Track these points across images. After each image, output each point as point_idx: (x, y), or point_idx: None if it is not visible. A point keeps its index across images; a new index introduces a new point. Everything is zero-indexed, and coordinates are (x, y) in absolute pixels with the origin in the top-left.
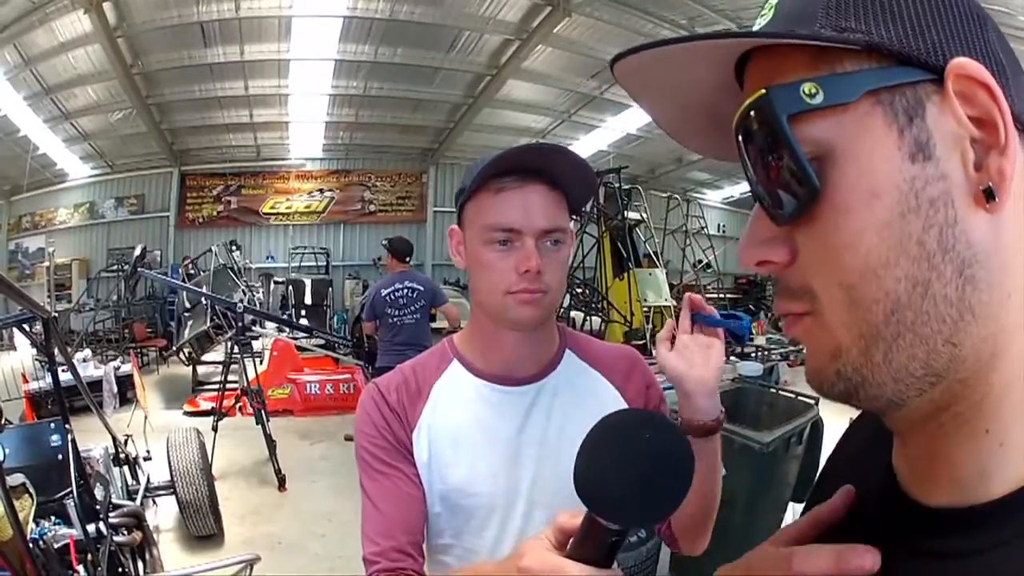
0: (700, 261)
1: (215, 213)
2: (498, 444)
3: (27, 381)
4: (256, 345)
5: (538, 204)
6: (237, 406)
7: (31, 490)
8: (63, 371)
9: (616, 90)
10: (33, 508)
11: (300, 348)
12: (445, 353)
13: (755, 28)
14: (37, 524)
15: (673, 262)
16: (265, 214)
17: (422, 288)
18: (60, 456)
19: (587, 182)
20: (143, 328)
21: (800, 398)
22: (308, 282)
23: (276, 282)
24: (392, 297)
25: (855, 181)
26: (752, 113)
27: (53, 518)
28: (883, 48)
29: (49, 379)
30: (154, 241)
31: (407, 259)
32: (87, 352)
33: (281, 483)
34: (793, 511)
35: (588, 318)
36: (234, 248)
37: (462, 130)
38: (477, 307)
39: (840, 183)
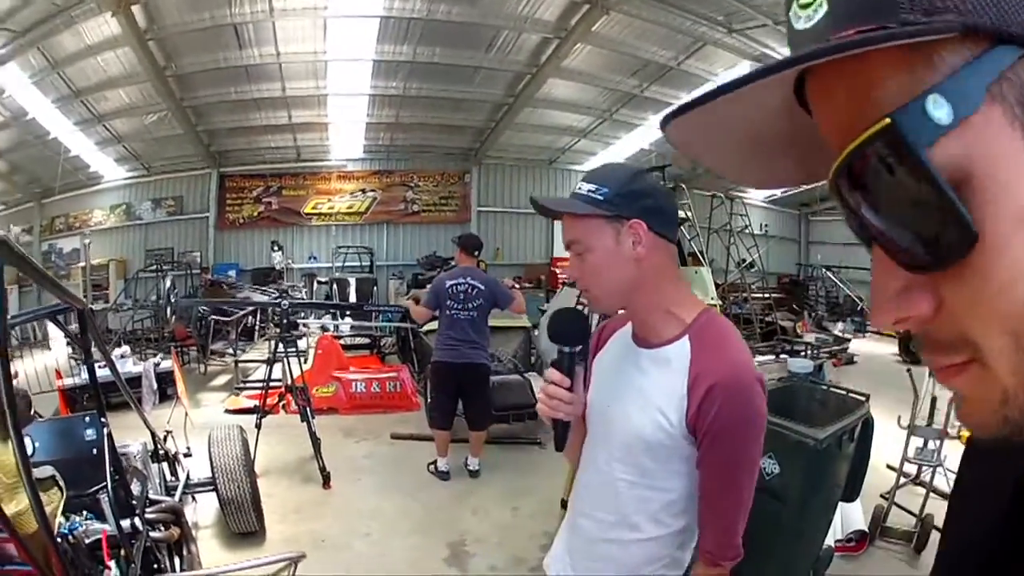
0: (743, 260)
1: (255, 214)
2: (608, 379)
3: (60, 376)
4: (301, 344)
5: (563, 227)
6: (281, 404)
7: (61, 483)
8: (100, 366)
9: (656, 88)
10: (62, 502)
11: (346, 346)
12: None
13: (805, 24)
14: (68, 519)
15: (717, 261)
16: (307, 214)
17: (483, 287)
18: (95, 450)
19: (594, 193)
20: (183, 328)
21: (851, 395)
22: (352, 281)
23: (319, 282)
24: (454, 290)
25: (1002, 207)
26: (874, 149)
27: (86, 512)
28: (981, 28)
29: (84, 374)
30: (194, 242)
31: (475, 253)
32: (125, 348)
33: (325, 481)
34: (841, 513)
35: None
36: (276, 248)
37: (503, 129)
38: None
39: (986, 213)
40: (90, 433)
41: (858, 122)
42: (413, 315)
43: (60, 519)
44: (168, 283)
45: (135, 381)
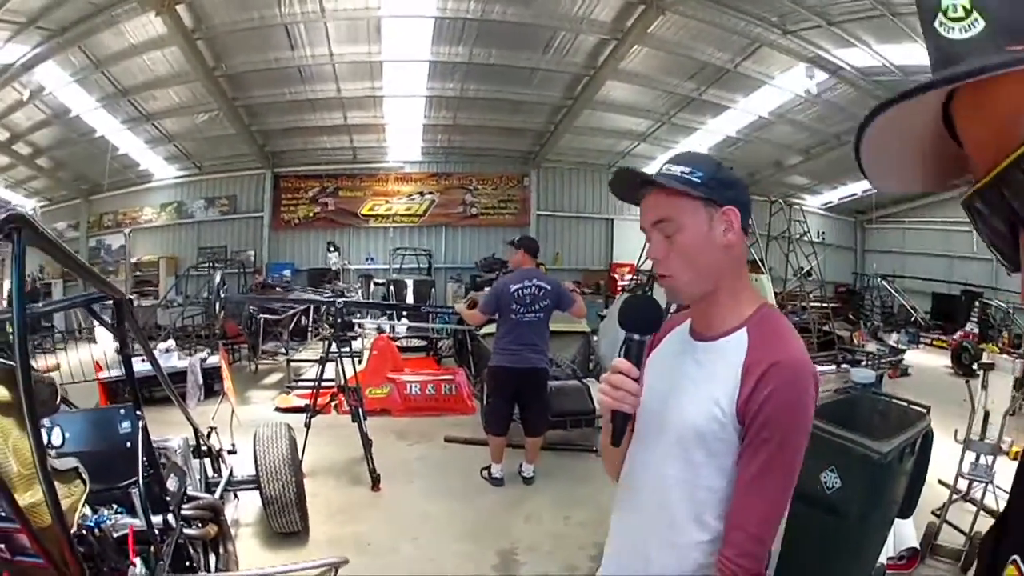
0: (801, 268)
1: (311, 215)
2: (663, 374)
3: (100, 368)
4: (356, 344)
5: (648, 205)
6: (332, 404)
7: (84, 476)
8: (142, 359)
9: (714, 91)
10: (85, 495)
11: (402, 348)
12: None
13: (961, 35)
14: (96, 511)
15: (775, 269)
16: (364, 216)
17: (549, 287)
18: (128, 443)
19: (691, 173)
20: (235, 325)
21: (912, 407)
22: (410, 283)
23: (376, 283)
24: (520, 293)
25: None
26: None
27: (116, 506)
28: None
29: (135, 367)
30: (248, 241)
31: (535, 256)
32: (171, 343)
33: (375, 483)
34: (894, 529)
35: None
36: (332, 249)
37: (563, 133)
38: None
39: None
40: (125, 426)
41: (1008, 138)
42: (465, 319)
43: (86, 511)
44: (218, 279)
45: (180, 376)
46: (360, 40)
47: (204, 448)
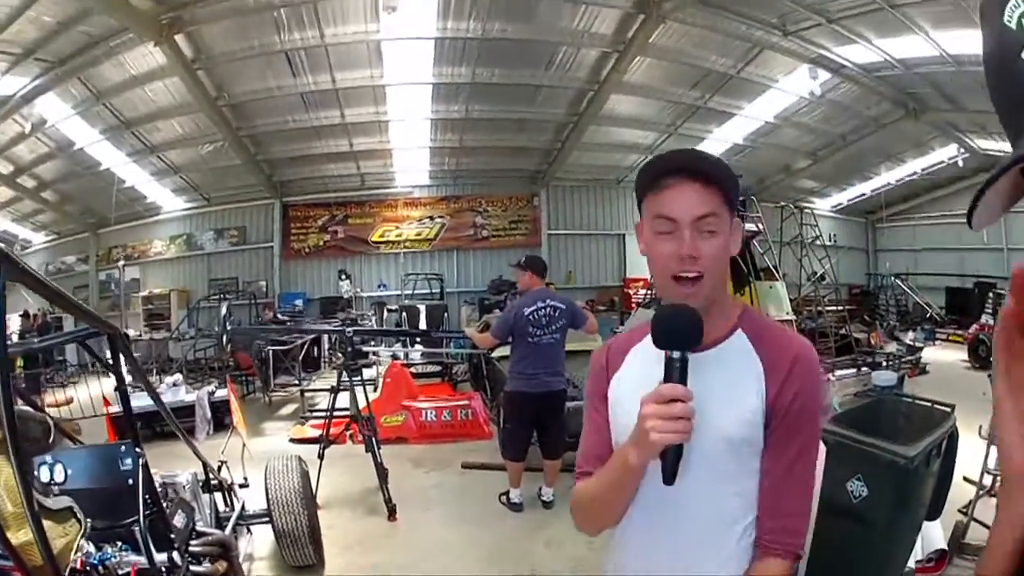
0: (815, 273)
1: (321, 243)
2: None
3: (108, 403)
4: (370, 372)
5: (693, 197)
6: (348, 433)
7: (79, 515)
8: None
9: (719, 99)
10: (81, 534)
11: (414, 375)
12: (646, 325)
13: None
14: (100, 548)
15: (789, 275)
16: (374, 243)
17: (563, 307)
18: (131, 480)
19: (721, 168)
20: (247, 357)
21: (936, 407)
22: (423, 308)
23: (389, 310)
24: (536, 316)
25: None
26: None
27: (120, 544)
28: None
29: (138, 401)
30: (259, 272)
31: (542, 276)
32: (177, 376)
33: (391, 512)
34: (922, 531)
35: None
36: (343, 277)
37: (570, 150)
38: (657, 288)
39: None
40: (127, 463)
41: None
42: (475, 342)
43: (90, 548)
44: (224, 310)
45: (189, 410)
46: (362, 65)
47: (215, 482)
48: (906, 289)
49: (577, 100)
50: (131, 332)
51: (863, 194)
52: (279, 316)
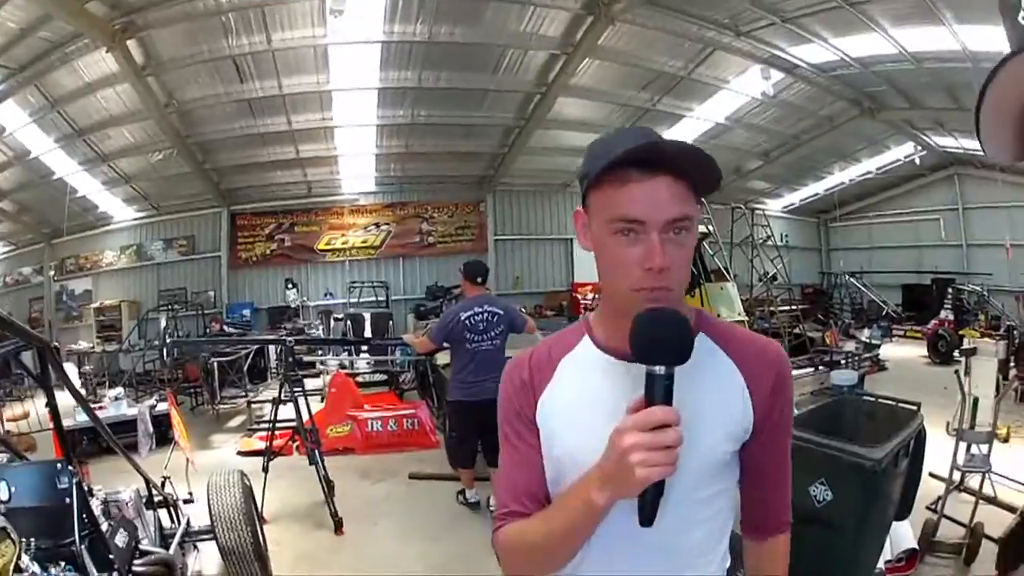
0: (767, 273)
1: (268, 252)
2: (611, 416)
3: (53, 418)
4: (317, 382)
5: (664, 196)
6: (295, 445)
7: (13, 536)
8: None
9: (669, 100)
10: (16, 556)
11: (360, 383)
12: (579, 330)
13: None
14: (45, 568)
15: (740, 275)
16: (320, 251)
17: (502, 312)
18: (68, 499)
19: (708, 165)
20: (195, 369)
21: (902, 406)
22: (367, 317)
23: (335, 319)
24: (472, 321)
25: None
26: None
27: (64, 564)
28: None
29: (83, 416)
30: (207, 281)
31: (479, 281)
32: (119, 390)
33: (338, 526)
34: (891, 532)
35: None
36: (290, 286)
37: (517, 154)
38: (605, 292)
39: None
40: (64, 480)
41: None
42: (414, 347)
43: (35, 569)
44: (163, 323)
45: (131, 424)
46: (308, 70)
47: (158, 499)
48: (860, 287)
49: (524, 104)
50: (84, 344)
51: (816, 194)
52: (225, 328)
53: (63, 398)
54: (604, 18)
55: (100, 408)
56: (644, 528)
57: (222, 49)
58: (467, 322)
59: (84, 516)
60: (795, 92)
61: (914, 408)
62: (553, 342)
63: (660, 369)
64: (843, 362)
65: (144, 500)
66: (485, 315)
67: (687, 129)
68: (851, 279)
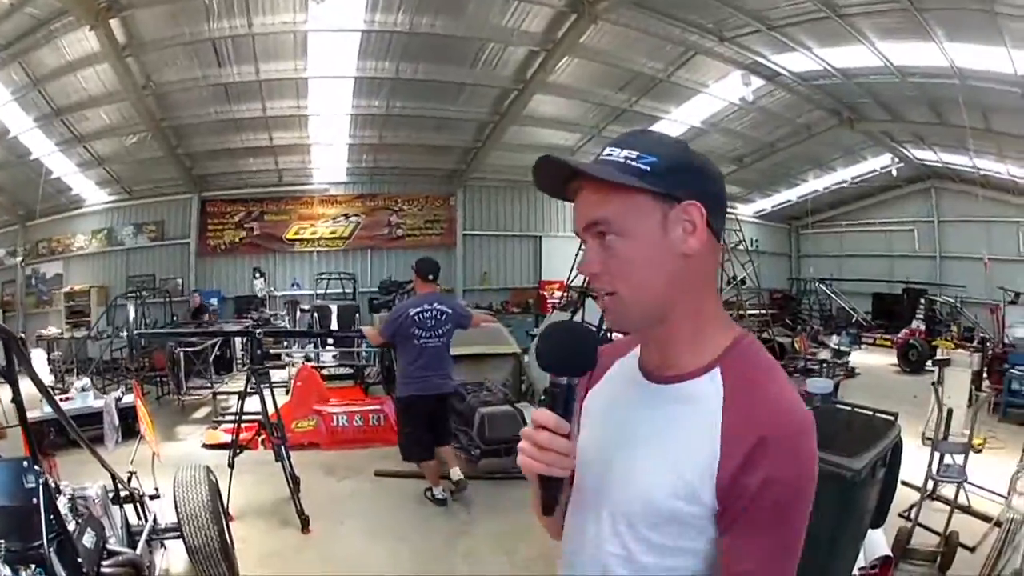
0: (735, 277)
1: (237, 240)
2: (608, 423)
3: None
4: (282, 374)
5: (582, 203)
6: (260, 439)
7: None
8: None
9: (646, 102)
10: None
11: (326, 377)
12: (638, 337)
13: None
14: (16, 572)
15: None
16: (289, 240)
17: (450, 311)
18: (35, 500)
19: (638, 159)
20: (162, 357)
21: (878, 415)
22: (334, 308)
23: (302, 310)
24: (420, 318)
25: None
26: None
27: (34, 567)
28: None
29: (47, 408)
30: (175, 268)
31: (430, 278)
32: (86, 381)
33: (304, 524)
34: (867, 539)
35: None
36: (258, 275)
37: (490, 150)
38: None
39: None
40: (30, 479)
41: None
42: (368, 338)
43: (6, 572)
44: (132, 313)
45: (98, 417)
46: (286, 56)
47: (125, 494)
48: (830, 294)
49: (500, 99)
50: (53, 330)
51: (788, 201)
52: (206, 305)
53: (30, 388)
54: (587, 16)
55: (67, 399)
56: (594, 545)
57: (203, 32)
58: (415, 318)
59: (52, 517)
60: (775, 99)
61: (892, 418)
62: (623, 345)
63: (561, 380)
64: (818, 370)
65: (111, 496)
66: (434, 312)
67: (662, 131)
68: (821, 285)
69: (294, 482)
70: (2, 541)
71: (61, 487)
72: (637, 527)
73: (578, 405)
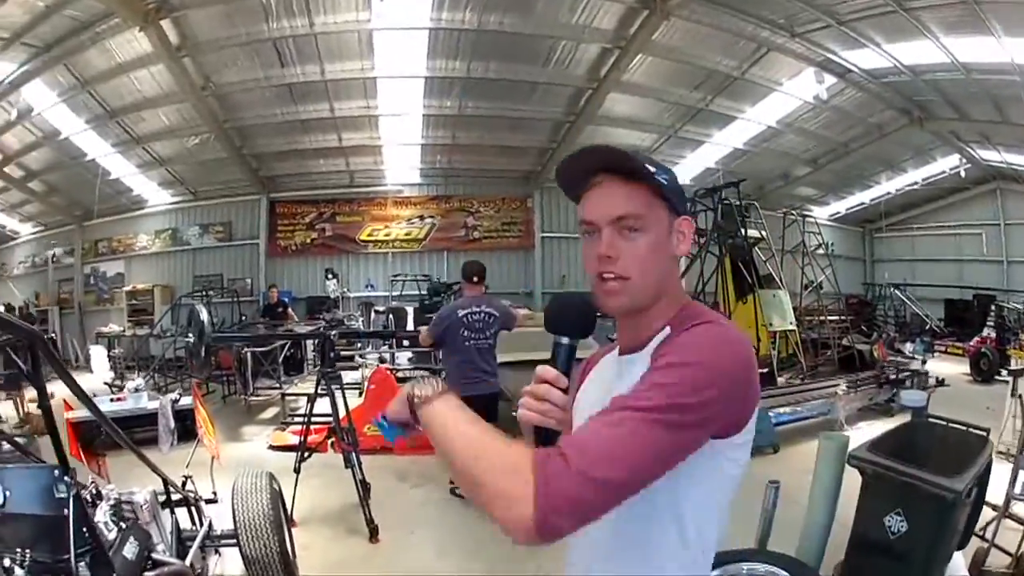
0: (812, 282)
1: (308, 240)
2: (591, 402)
3: (69, 407)
4: (355, 375)
5: (610, 196)
6: (330, 442)
7: None
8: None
9: (721, 101)
10: None
11: (401, 379)
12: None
13: None
14: None
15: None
16: (362, 241)
17: (497, 314)
18: (65, 510)
19: (654, 169)
20: (229, 356)
21: (972, 431)
22: (411, 311)
23: (377, 311)
24: (469, 319)
25: None
26: None
27: None
28: None
29: (104, 407)
30: (244, 268)
31: (475, 280)
32: (139, 382)
33: (373, 533)
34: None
35: None
36: (330, 276)
37: (566, 150)
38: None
39: None
40: (61, 489)
41: None
42: (420, 340)
43: None
44: (204, 316)
45: (152, 418)
46: (352, 56)
47: (176, 500)
48: (905, 300)
49: (575, 98)
50: (114, 327)
51: (862, 203)
52: (284, 301)
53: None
54: (659, 12)
55: (119, 400)
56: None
57: (262, 32)
58: (464, 319)
59: (84, 530)
60: (846, 98)
61: (984, 434)
62: (602, 349)
63: (563, 340)
64: (908, 382)
65: (162, 500)
66: (482, 315)
67: (737, 131)
68: (895, 291)
69: (364, 488)
70: (28, 551)
71: (104, 492)
72: None
73: (577, 376)
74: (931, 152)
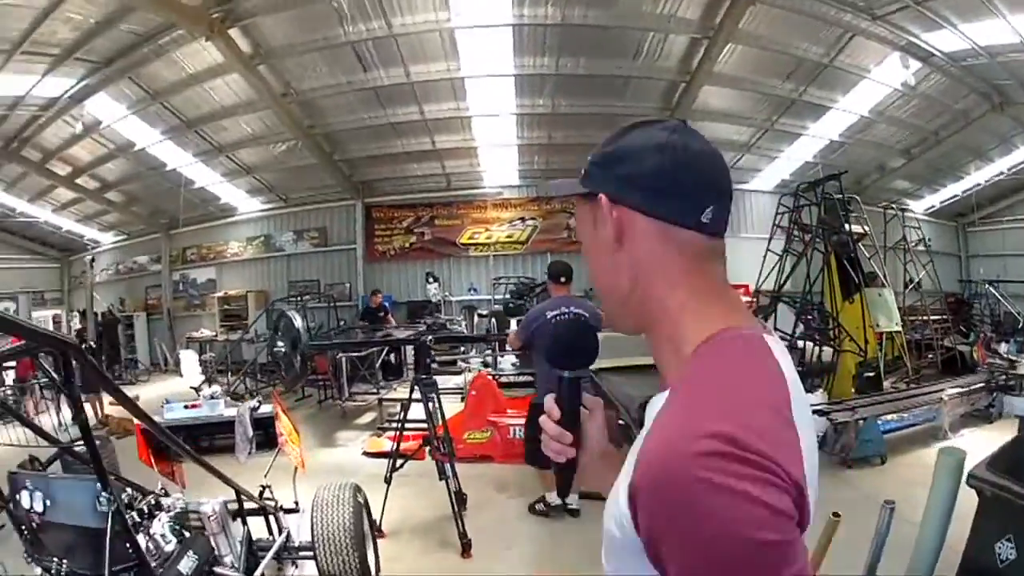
0: (912, 280)
1: (407, 245)
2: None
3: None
4: (457, 380)
5: None
6: (427, 450)
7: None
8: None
9: (813, 91)
10: None
11: (503, 384)
12: None
13: None
14: None
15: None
16: (463, 245)
17: (586, 315)
18: (105, 524)
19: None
20: (324, 361)
21: None
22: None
23: (480, 315)
24: (557, 321)
25: None
26: None
27: None
28: None
29: (172, 413)
30: (341, 273)
31: (563, 281)
32: (215, 389)
33: (465, 548)
34: None
35: (819, 348)
36: (431, 280)
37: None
38: None
39: None
40: (103, 503)
41: None
42: (508, 343)
43: None
44: (299, 322)
45: (229, 426)
46: (436, 56)
47: (251, 508)
48: (1000, 297)
49: (669, 93)
50: (206, 332)
51: (955, 196)
52: (386, 305)
53: (166, 388)
54: None
55: (195, 406)
56: None
57: (338, 36)
58: (552, 320)
59: (127, 544)
60: (931, 83)
61: None
62: None
63: (565, 373)
64: (1016, 387)
65: (234, 511)
66: (570, 316)
67: (832, 122)
68: (991, 288)
69: (459, 500)
70: (64, 561)
71: (166, 502)
72: (609, 550)
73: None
74: (1012, 140)
